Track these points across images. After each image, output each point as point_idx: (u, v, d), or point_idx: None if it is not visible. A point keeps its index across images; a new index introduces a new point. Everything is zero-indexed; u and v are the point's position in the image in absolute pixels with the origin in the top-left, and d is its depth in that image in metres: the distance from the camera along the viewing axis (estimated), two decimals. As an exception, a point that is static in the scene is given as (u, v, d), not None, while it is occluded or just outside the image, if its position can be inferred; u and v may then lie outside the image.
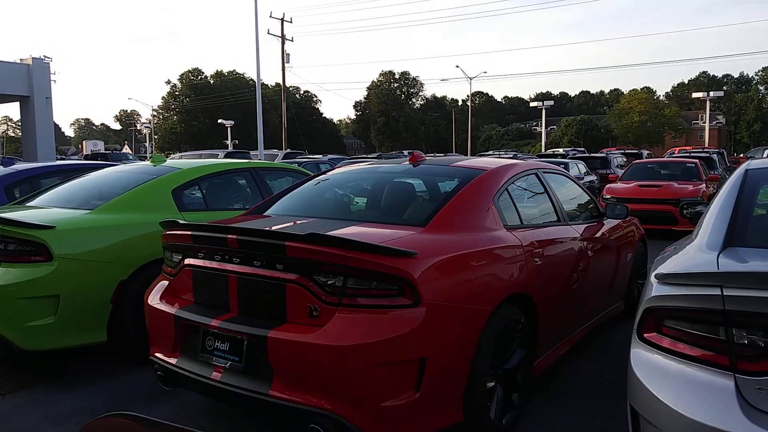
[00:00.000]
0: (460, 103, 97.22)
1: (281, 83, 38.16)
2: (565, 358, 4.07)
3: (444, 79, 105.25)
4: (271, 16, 35.30)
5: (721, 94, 53.88)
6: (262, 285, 2.73)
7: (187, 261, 3.08)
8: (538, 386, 3.71)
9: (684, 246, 2.57)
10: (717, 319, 1.94)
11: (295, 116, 51.73)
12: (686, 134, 69.74)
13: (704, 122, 48.83)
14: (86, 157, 35.33)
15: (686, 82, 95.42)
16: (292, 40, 36.31)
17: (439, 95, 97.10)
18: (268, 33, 34.81)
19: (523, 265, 3.27)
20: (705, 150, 22.92)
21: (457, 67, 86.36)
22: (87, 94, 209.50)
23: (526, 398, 3.34)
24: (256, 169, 5.65)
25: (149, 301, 3.23)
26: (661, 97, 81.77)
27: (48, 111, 26.20)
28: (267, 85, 73.14)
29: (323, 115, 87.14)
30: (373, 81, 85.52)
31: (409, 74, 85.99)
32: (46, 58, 26.47)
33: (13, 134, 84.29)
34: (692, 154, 18.01)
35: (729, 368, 1.91)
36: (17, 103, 26.42)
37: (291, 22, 35.75)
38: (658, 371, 2.05)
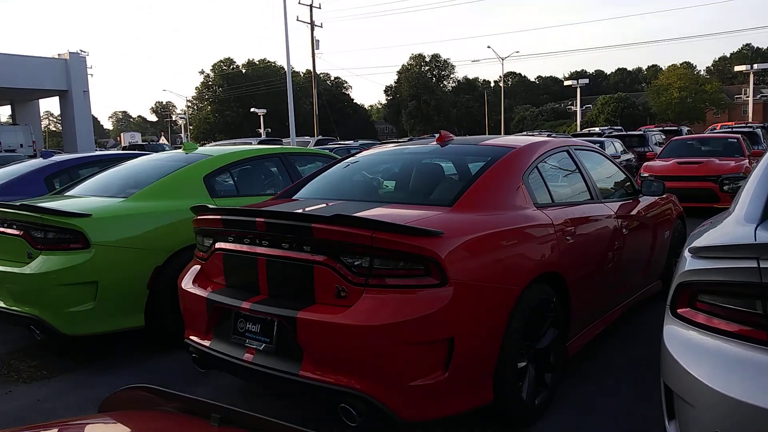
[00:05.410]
0: (492, 84, 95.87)
1: (311, 70, 38.25)
2: (600, 338, 4.01)
3: (475, 60, 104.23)
4: (300, 3, 35.28)
5: (766, 66, 51.71)
6: (290, 267, 2.76)
7: (217, 245, 3.13)
8: (572, 366, 3.66)
9: (721, 220, 2.49)
10: (754, 292, 1.87)
11: (326, 103, 51.79)
12: (729, 109, 67.19)
13: (748, 96, 47.07)
14: (125, 149, 36.17)
15: (728, 55, 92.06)
16: (321, 26, 36.34)
17: (471, 77, 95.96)
18: (297, 20, 34.88)
19: (555, 244, 3.22)
20: (748, 125, 22.07)
21: (489, 47, 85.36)
22: (123, 87, 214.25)
23: (559, 379, 3.30)
24: (285, 155, 5.69)
25: (183, 286, 3.30)
26: (702, 72, 78.96)
27: (86, 104, 26.93)
28: (298, 72, 73.40)
29: (354, 101, 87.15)
30: (403, 65, 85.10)
31: (439, 56, 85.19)
32: (82, 53, 27.09)
33: (54, 128, 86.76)
34: (735, 130, 17.39)
35: (767, 343, 1.84)
36: (57, 98, 27.21)
37: (320, 8, 35.80)
38: (692, 348, 1.99)
